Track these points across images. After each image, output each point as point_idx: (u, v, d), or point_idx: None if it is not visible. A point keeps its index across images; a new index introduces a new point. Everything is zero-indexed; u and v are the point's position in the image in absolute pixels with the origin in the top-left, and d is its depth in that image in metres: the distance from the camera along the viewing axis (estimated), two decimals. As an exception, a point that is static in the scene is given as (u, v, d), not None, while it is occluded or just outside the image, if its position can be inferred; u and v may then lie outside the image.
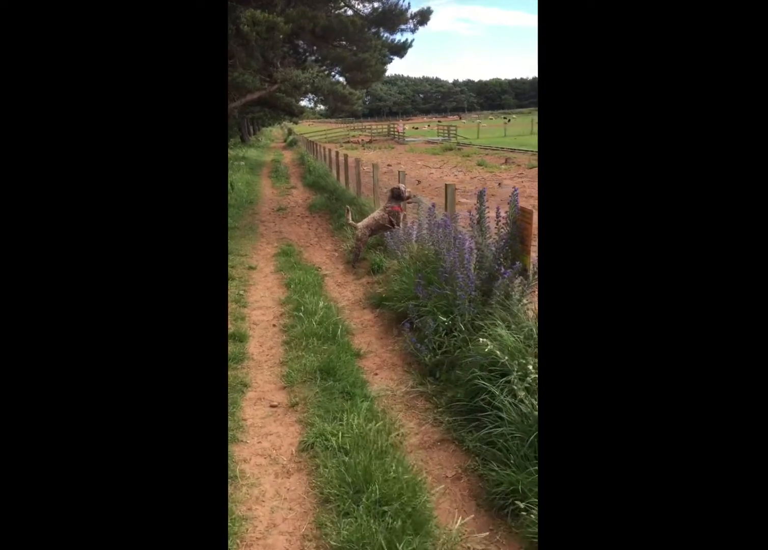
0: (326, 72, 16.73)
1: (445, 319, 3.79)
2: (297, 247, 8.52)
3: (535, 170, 17.24)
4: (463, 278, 3.73)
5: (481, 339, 3.10)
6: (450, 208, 5.23)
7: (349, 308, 5.54)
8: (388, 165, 20.75)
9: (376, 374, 3.96)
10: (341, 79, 13.95)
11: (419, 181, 13.13)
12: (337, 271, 7.03)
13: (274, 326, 4.98)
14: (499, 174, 17.17)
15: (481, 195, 4.34)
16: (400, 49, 12.14)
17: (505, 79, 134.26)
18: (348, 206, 7.16)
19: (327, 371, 3.77)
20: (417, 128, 55.57)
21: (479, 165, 19.96)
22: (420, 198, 7.12)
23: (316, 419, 3.17)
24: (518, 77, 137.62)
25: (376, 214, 7.00)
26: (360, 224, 6.97)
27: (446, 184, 5.23)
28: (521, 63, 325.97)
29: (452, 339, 3.65)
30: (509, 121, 62.61)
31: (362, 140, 39.35)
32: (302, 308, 5.07)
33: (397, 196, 6.91)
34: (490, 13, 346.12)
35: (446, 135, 37.36)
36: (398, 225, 6.91)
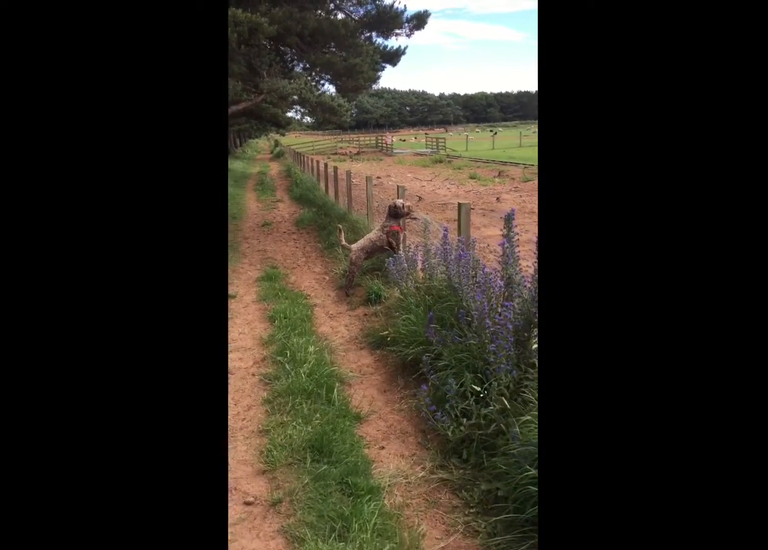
0: (315, 81, 16.00)
1: (472, 379, 2.96)
2: (283, 269, 7.66)
3: (530, 184, 16.60)
4: (497, 327, 2.90)
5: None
6: (464, 231, 4.42)
7: (344, 348, 4.69)
8: (378, 177, 20.00)
9: (383, 448, 3.10)
10: (331, 87, 13.20)
11: (420, 198, 12.35)
12: (328, 299, 6.18)
13: (253, 375, 4.11)
14: (494, 187, 16.49)
15: (509, 218, 3.53)
16: (393, 57, 11.42)
17: (491, 93, 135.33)
18: (340, 226, 6.34)
19: (320, 449, 2.91)
20: (404, 140, 55.20)
21: (472, 178, 19.29)
22: (423, 217, 6.29)
23: (307, 531, 2.30)
24: (503, 91, 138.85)
25: (373, 235, 6.18)
26: (354, 246, 6.14)
27: (460, 204, 4.43)
28: (506, 77, 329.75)
29: (484, 408, 2.81)
30: (495, 134, 62.62)
31: (350, 152, 38.68)
32: (288, 352, 4.20)
33: (394, 214, 6.09)
34: (475, 27, 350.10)
35: (434, 147, 36.86)
36: (398, 247, 6.08)
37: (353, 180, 17.03)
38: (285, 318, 5.12)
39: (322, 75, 11.36)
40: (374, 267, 6.47)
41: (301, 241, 9.81)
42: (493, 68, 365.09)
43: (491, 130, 72.94)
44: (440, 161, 27.34)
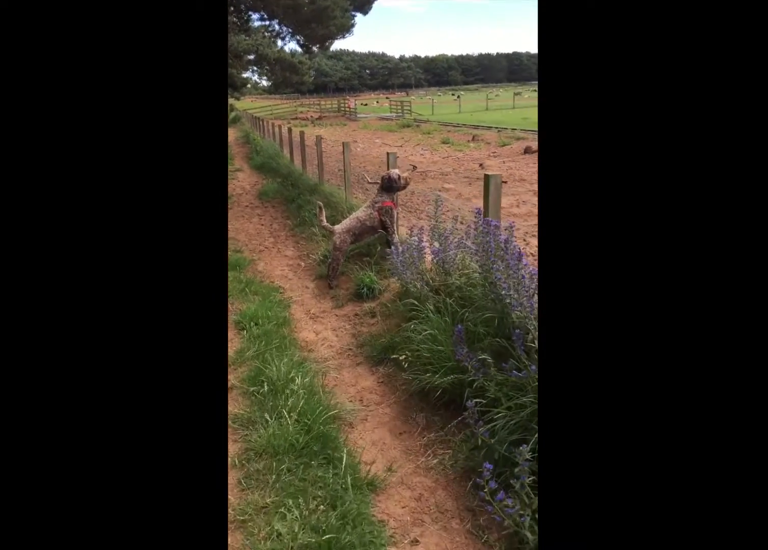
0: (275, 35, 14.39)
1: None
2: (248, 253, 6.49)
3: (508, 149, 15.62)
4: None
5: None
6: (494, 211, 3.37)
7: (336, 363, 3.64)
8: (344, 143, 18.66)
9: (416, 543, 2.10)
10: (292, 44, 11.73)
11: (415, 167, 11.01)
12: (307, 292, 5.08)
13: (219, 415, 3.02)
14: (471, 153, 15.43)
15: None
16: (364, 4, 10.06)
17: (452, 55, 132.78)
18: (320, 203, 5.20)
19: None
20: (366, 104, 53.20)
21: (444, 143, 18.16)
22: (435, 193, 5.22)
23: None
24: (464, 53, 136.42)
25: (361, 213, 5.07)
26: (338, 228, 5.03)
27: (487, 176, 3.37)
28: (467, 39, 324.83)
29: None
30: (458, 97, 61.11)
31: (311, 117, 36.76)
32: (265, 380, 3.12)
33: (389, 187, 4.99)
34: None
35: (400, 111, 35.35)
36: (392, 228, 5.00)
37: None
38: (257, 325, 4.02)
39: (285, 26, 9.93)
40: (361, 252, 5.38)
41: (267, 217, 8.59)
42: (453, 30, 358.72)
43: (453, 94, 71.36)
44: (408, 126, 25.98)
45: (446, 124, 25.98)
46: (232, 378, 3.29)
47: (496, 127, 22.27)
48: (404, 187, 5.11)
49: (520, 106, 38.49)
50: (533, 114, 29.87)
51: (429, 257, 3.93)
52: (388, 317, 4.13)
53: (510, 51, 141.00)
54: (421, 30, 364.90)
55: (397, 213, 5.15)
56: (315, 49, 10.56)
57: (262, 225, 8.01)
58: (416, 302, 3.49)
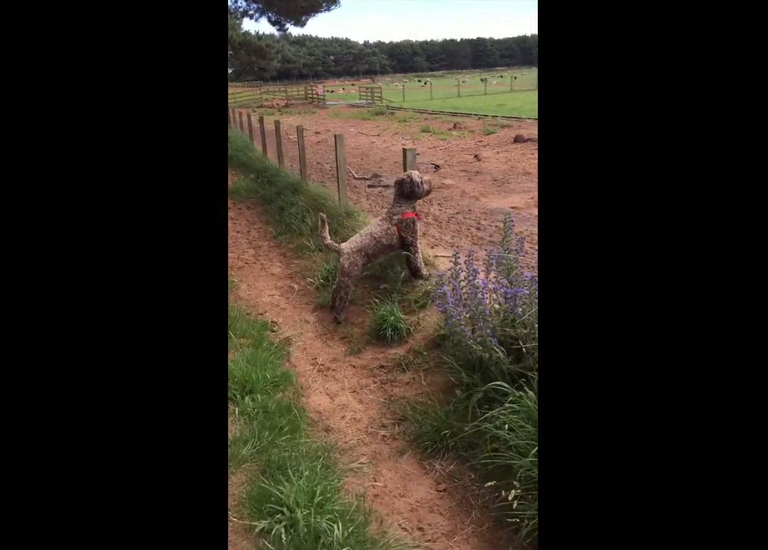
0: (241, 12, 13.02)
1: None
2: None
3: (495, 137, 14.66)
4: None
5: None
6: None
7: (369, 454, 2.57)
8: (317, 132, 17.40)
9: None
10: (263, 23, 10.44)
11: (437, 166, 9.46)
12: (307, 329, 3.97)
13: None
14: (456, 142, 14.40)
15: None
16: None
17: (416, 41, 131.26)
18: (322, 215, 4.05)
19: None
20: (332, 91, 51.55)
21: (425, 131, 17.07)
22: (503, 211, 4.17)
23: None
24: (429, 39, 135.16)
25: (375, 228, 3.96)
26: (346, 247, 3.92)
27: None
28: (431, 24, 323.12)
29: None
30: (425, 84, 59.97)
31: (277, 104, 35.09)
32: (277, 511, 2.03)
33: (409, 193, 3.90)
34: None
35: (370, 98, 34.05)
36: (416, 246, 3.93)
37: (289, 136, 14.43)
38: (250, 393, 2.90)
39: (254, 2, 8.63)
40: (374, 274, 4.29)
41: (242, 221, 7.38)
42: (417, 15, 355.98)
43: (420, 80, 70.22)
44: (381, 113, 24.75)
45: (421, 111, 24.86)
46: (229, 500, 2.17)
47: (476, 114, 21.27)
48: (427, 194, 4.03)
49: (492, 93, 37.68)
50: (508, 100, 29.03)
51: (489, 295, 2.87)
52: (429, 372, 3.08)
53: (474, 37, 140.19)
54: (385, 15, 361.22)
55: (420, 225, 4.07)
56: (289, 26, 9.34)
57: (238, 232, 6.82)
58: (443, 329, 2.41)
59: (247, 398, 2.85)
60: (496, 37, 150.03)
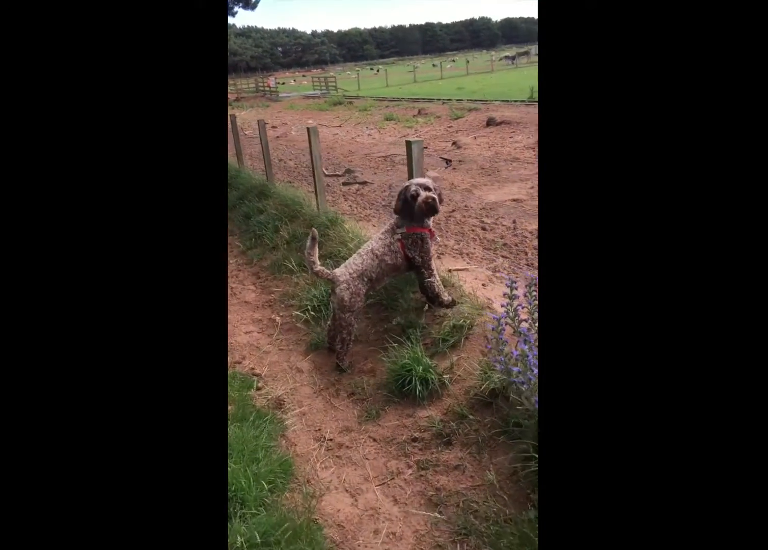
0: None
1: None
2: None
3: (465, 122, 13.87)
4: None
5: None
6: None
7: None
8: (274, 127, 16.28)
9: None
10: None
11: (448, 161, 8.55)
12: (303, 382, 3.07)
13: None
14: (425, 129, 13.57)
15: None
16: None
17: (365, 29, 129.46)
18: (313, 231, 3.09)
19: None
20: (284, 83, 49.93)
21: (389, 120, 16.17)
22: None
23: None
24: (377, 26, 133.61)
25: (376, 244, 3.06)
26: (342, 273, 3.02)
27: None
28: (379, 11, 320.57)
29: None
30: (378, 71, 58.82)
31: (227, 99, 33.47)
32: None
33: (426, 207, 3.00)
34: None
35: (324, 88, 32.84)
36: (430, 268, 3.07)
37: (245, 131, 13.25)
38: (242, 506, 2.00)
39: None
40: (376, 300, 3.41)
41: (203, 233, 6.34)
42: (363, 3, 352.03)
43: (372, 68, 69.07)
44: (339, 103, 23.63)
45: (380, 99, 23.86)
46: None
47: (438, 99, 20.44)
48: (430, 212, 3.04)
49: (448, 77, 36.94)
50: (466, 83, 28.32)
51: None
52: (485, 447, 2.23)
53: (422, 22, 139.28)
54: (332, 3, 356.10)
55: (436, 241, 3.18)
56: (238, 9, 8.28)
57: (199, 248, 5.80)
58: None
59: (236, 522, 1.94)
60: (444, 22, 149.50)
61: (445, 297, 3.07)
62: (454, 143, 9.62)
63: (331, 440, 2.56)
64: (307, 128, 4.89)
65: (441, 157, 8.02)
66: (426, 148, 9.78)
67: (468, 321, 2.82)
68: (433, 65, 55.40)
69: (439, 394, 2.61)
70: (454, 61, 61.89)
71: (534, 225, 4.86)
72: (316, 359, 3.26)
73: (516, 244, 4.34)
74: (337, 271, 3.03)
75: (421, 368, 2.64)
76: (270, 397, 2.93)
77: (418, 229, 3.02)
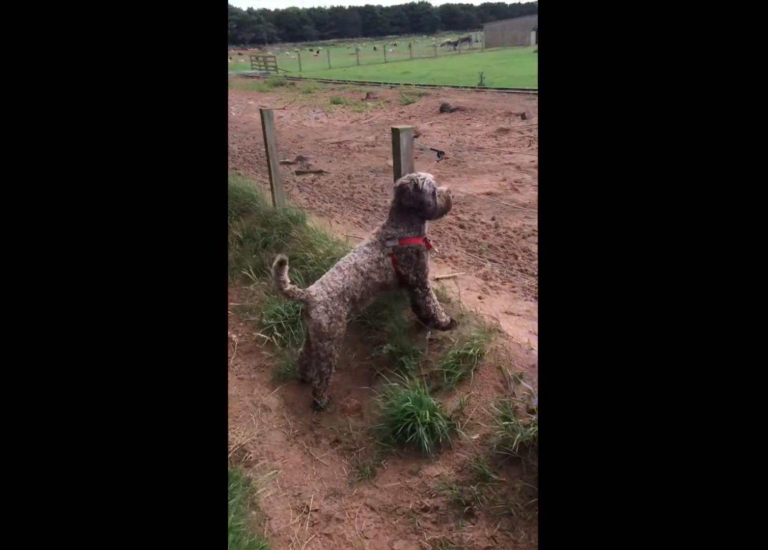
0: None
1: None
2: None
3: (417, 108, 13.40)
4: None
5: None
6: None
7: None
8: (264, 111, 15.24)
9: None
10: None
11: (441, 153, 7.02)
12: (270, 422, 2.50)
13: None
14: (376, 114, 12.98)
15: None
16: None
17: (303, 9, 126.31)
18: (283, 259, 2.43)
19: None
20: (220, 62, 47.49)
21: (336, 103, 15.45)
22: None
23: None
24: (316, 6, 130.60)
25: (361, 258, 2.50)
26: (319, 291, 2.44)
27: None
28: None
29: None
30: (317, 53, 57.35)
31: (159, 77, 31.43)
32: None
33: (414, 206, 2.48)
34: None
35: (264, 68, 31.48)
36: (423, 285, 2.56)
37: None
38: None
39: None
40: (363, 320, 2.86)
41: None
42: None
43: (312, 50, 67.37)
44: (281, 84, 22.57)
45: (324, 81, 22.98)
46: None
47: (386, 83, 19.81)
48: (444, 212, 2.58)
49: (392, 60, 36.28)
50: (412, 68, 27.81)
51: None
52: (519, 522, 1.75)
53: (362, 4, 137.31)
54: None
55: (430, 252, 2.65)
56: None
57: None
58: None
59: None
60: (384, 5, 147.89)
61: (443, 319, 2.56)
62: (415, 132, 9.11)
63: (316, 510, 2.01)
64: (261, 111, 4.23)
65: (432, 149, 7.40)
66: (379, 136, 9.21)
67: (477, 349, 2.33)
68: (375, 48, 54.56)
69: (448, 444, 2.11)
70: (395, 45, 61.12)
71: (516, 223, 4.43)
72: (286, 392, 2.68)
73: (502, 246, 3.89)
74: (312, 289, 2.46)
75: (426, 412, 2.13)
76: (231, 446, 2.35)
77: (412, 239, 2.49)
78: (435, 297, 2.57)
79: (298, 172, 6.73)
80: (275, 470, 2.21)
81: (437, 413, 2.15)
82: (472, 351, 2.33)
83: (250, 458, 2.29)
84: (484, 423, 2.12)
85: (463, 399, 2.21)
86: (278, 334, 2.94)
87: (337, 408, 2.50)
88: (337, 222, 4.64)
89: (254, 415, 2.55)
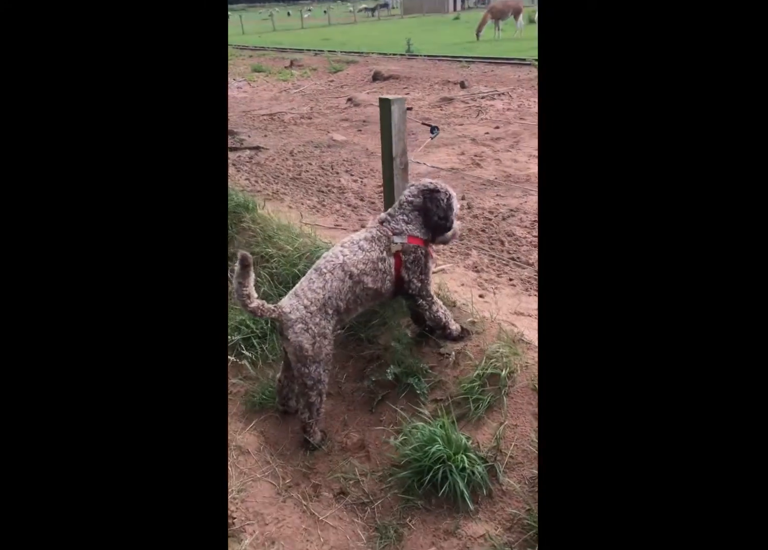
0: None
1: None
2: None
3: (346, 75, 12.71)
4: None
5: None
6: None
7: None
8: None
9: None
10: None
11: (435, 128, 6.96)
12: (250, 468, 1.99)
13: None
14: (305, 83, 12.16)
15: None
16: None
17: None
18: (244, 255, 1.94)
19: None
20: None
21: (258, 71, 14.42)
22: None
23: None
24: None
25: (353, 257, 2.00)
26: (293, 306, 1.93)
27: None
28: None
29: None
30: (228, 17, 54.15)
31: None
32: None
33: (443, 217, 2.06)
34: None
35: (172, 33, 29.14)
36: (426, 294, 2.12)
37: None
38: None
39: None
40: (350, 331, 2.38)
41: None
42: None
43: (223, 14, 63.44)
44: (193, 50, 20.89)
45: (241, 47, 21.57)
46: None
47: (309, 50, 18.78)
48: (448, 242, 2.21)
49: (309, 27, 34.73)
50: (331, 34, 26.68)
51: None
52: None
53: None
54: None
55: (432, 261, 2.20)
56: None
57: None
58: None
59: None
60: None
61: (454, 326, 2.15)
62: (349, 100, 8.46)
63: (335, 596, 1.57)
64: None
65: (423, 123, 6.86)
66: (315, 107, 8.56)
67: (506, 368, 1.93)
68: (288, 14, 52.21)
69: (488, 491, 1.71)
70: (310, 10, 58.68)
71: (489, 202, 4.06)
72: (265, 428, 2.18)
73: (483, 230, 3.51)
74: (285, 304, 1.94)
75: (461, 456, 1.71)
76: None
77: (420, 240, 2.04)
78: (441, 303, 2.14)
79: (230, 149, 6.01)
80: (270, 541, 1.74)
81: (471, 454, 1.75)
82: (500, 370, 1.93)
83: (233, 524, 1.79)
84: (527, 461, 1.74)
85: (497, 431, 1.81)
86: (246, 352, 2.41)
87: (334, 446, 2.04)
88: (290, 207, 4.08)
89: (229, 461, 2.04)
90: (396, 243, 1.99)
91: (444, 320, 2.11)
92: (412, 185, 2.08)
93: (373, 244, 2.01)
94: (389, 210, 2.10)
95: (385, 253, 2.00)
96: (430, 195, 2.02)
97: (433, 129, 2.51)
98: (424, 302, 2.08)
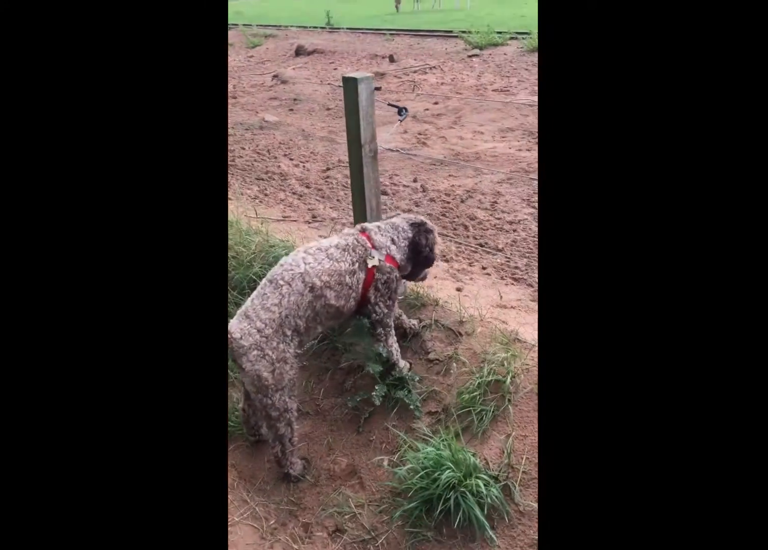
0: None
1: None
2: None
3: (266, 50, 12.12)
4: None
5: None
6: None
7: None
8: None
9: None
10: None
11: (402, 110, 6.31)
12: (231, 513, 1.72)
13: None
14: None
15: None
16: None
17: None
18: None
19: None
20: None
21: (169, 47, 13.41)
22: None
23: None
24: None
25: (318, 266, 1.73)
26: (245, 332, 1.66)
27: None
28: None
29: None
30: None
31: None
32: None
33: (428, 249, 1.91)
34: None
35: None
36: (388, 323, 1.91)
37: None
38: None
39: None
40: (320, 341, 2.13)
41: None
42: None
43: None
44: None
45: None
46: None
47: (235, 25, 17.72)
48: (423, 279, 2.09)
49: None
50: (243, 7, 25.31)
51: None
52: None
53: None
54: None
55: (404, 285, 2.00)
56: None
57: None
58: None
59: None
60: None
61: (402, 364, 1.93)
62: (275, 77, 7.96)
63: None
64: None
65: (390, 104, 6.39)
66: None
67: (509, 374, 1.75)
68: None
69: (504, 514, 1.54)
70: (218, -19, 55.75)
71: (443, 183, 3.86)
72: (236, 460, 1.91)
73: (443, 214, 3.31)
74: (234, 328, 1.67)
75: (474, 481, 1.53)
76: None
77: (395, 262, 1.83)
78: (395, 339, 1.92)
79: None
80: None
81: (482, 475, 1.57)
82: (502, 376, 1.75)
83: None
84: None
85: (506, 445, 1.64)
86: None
87: (320, 475, 1.80)
88: (230, 198, 3.72)
89: (200, 504, 1.76)
90: (373, 257, 1.76)
91: (395, 356, 1.90)
92: (400, 216, 1.97)
93: (346, 254, 1.75)
94: (378, 223, 1.87)
95: (357, 266, 1.75)
96: (419, 229, 1.90)
97: (401, 110, 2.27)
98: (382, 332, 1.86)
